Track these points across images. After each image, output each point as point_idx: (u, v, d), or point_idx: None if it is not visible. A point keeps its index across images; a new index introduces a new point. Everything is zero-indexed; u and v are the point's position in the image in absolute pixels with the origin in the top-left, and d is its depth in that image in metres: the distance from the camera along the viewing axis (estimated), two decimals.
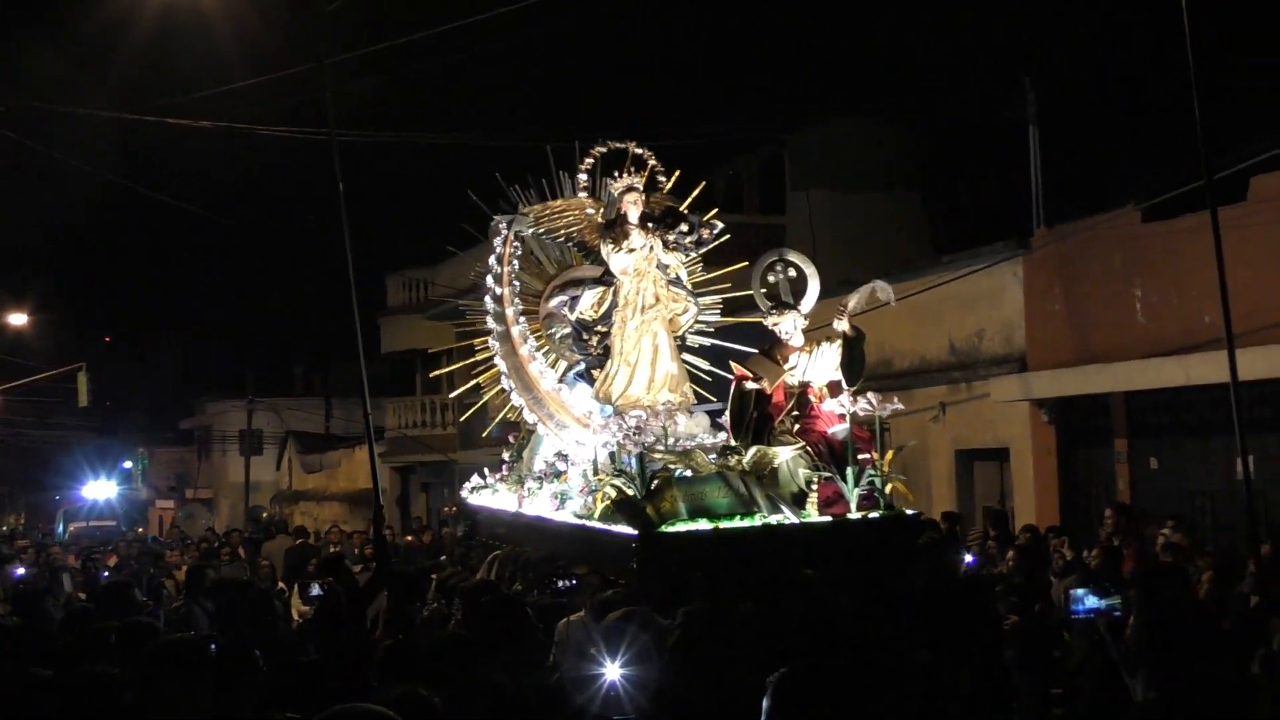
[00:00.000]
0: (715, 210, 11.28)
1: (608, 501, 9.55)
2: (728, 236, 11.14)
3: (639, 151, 11.22)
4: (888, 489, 9.72)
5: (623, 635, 5.20)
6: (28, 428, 46.88)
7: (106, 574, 17.37)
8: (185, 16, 16.89)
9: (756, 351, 10.54)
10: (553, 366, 11.42)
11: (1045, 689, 8.41)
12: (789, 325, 10.43)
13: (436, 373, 23.20)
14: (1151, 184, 15.23)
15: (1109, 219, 15.77)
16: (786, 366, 10.25)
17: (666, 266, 10.71)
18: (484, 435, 13.70)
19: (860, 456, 9.68)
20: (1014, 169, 18.28)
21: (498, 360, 11.41)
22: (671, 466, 9.64)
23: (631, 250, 10.53)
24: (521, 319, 11.38)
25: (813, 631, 5.49)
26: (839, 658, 4.61)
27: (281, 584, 15.13)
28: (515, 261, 11.50)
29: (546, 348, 11.57)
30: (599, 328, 11.28)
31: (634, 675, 5.06)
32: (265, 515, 34.87)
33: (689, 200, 11.49)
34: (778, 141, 23.28)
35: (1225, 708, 4.19)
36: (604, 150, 11.24)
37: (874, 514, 9.59)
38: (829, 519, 9.48)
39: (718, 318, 11.81)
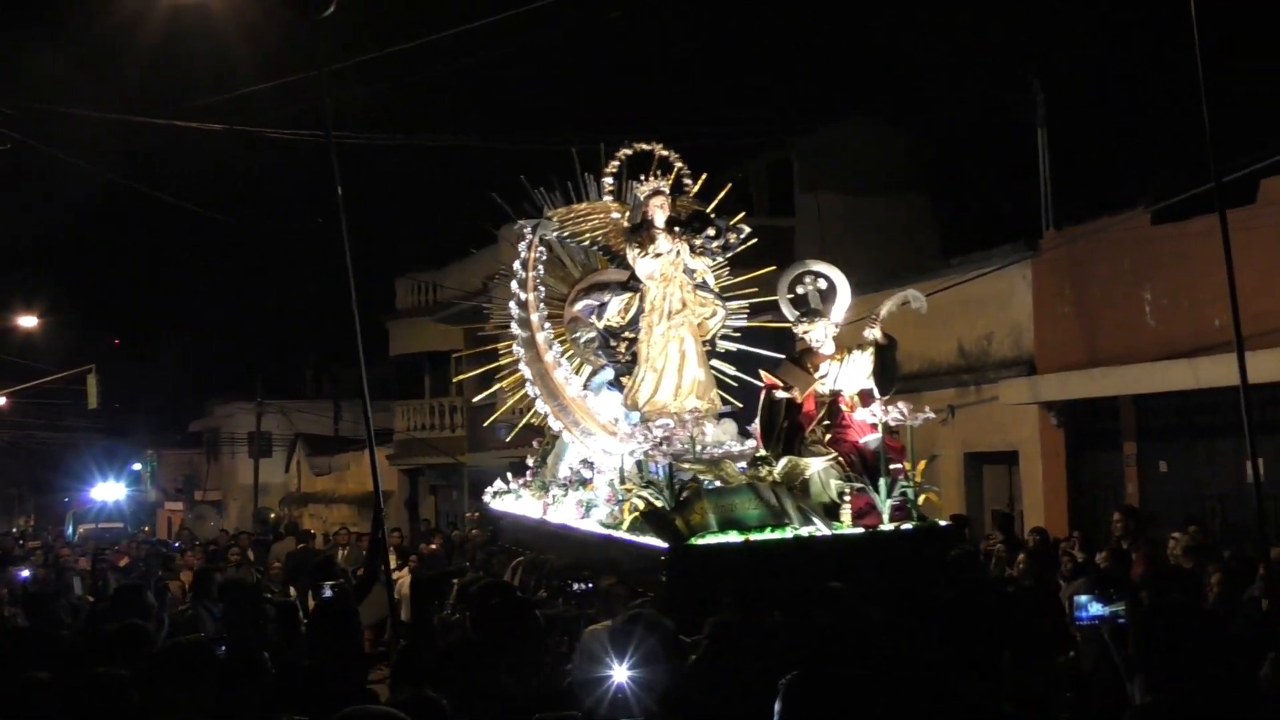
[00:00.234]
0: (743, 214, 11.13)
1: (636, 512, 9.42)
2: (755, 240, 11.01)
3: (665, 154, 11.10)
4: (920, 500, 9.63)
5: (630, 638, 5.20)
6: (37, 429, 47.00)
7: (115, 575, 17.41)
8: (192, 19, 16.94)
9: (785, 359, 10.44)
10: (577, 372, 11.33)
11: (1051, 693, 8.37)
12: (820, 333, 10.29)
13: (460, 377, 23.16)
14: (1161, 187, 15.19)
15: (1118, 222, 15.74)
16: (817, 375, 10.12)
17: (693, 271, 10.60)
18: (487, 425, 13.46)
19: (892, 466, 9.56)
20: (1023, 172, 18.24)
21: (522, 366, 11.31)
22: (701, 477, 9.53)
23: (658, 255, 10.41)
24: (547, 324, 11.29)
25: (842, 643, 5.47)
26: (859, 667, 4.59)
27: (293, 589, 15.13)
28: (540, 266, 11.40)
29: (571, 353, 11.47)
30: (626, 334, 11.14)
31: (641, 677, 5.06)
32: (272, 517, 34.88)
33: (715, 203, 11.36)
34: (786, 144, 23.25)
35: (1224, 712, 4.16)
36: (629, 152, 11.11)
37: (906, 525, 9.47)
38: (861, 530, 9.37)
39: (744, 322, 11.67)
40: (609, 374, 11.30)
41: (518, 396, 11.81)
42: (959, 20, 21.59)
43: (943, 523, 9.95)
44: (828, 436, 9.95)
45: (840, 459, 9.74)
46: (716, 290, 10.96)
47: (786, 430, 10.01)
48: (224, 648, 5.65)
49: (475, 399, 18.31)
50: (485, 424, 18.09)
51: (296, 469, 44.46)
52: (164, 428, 55.69)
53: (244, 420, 45.00)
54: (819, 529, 9.24)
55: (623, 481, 9.93)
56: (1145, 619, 4.51)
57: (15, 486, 60.06)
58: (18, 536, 30.94)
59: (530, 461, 12.35)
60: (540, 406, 11.17)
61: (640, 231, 10.58)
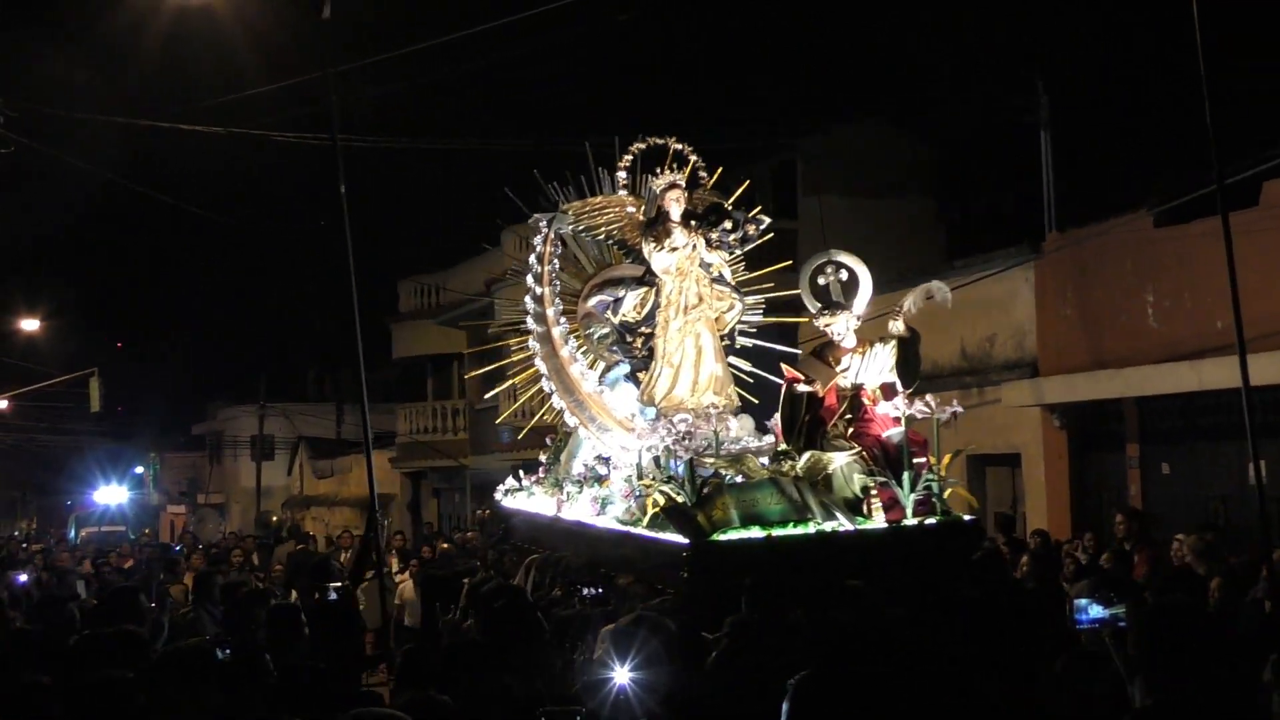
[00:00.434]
0: (759, 208, 10.97)
1: (656, 509, 9.32)
2: (773, 234, 10.96)
3: (680, 148, 11.02)
4: (945, 494, 9.54)
5: (633, 639, 5.19)
6: (40, 433, 46.99)
7: (118, 578, 17.40)
8: (197, 21, 16.95)
9: (806, 352, 10.37)
10: (591, 367, 11.24)
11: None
12: (841, 326, 10.24)
13: (470, 375, 23.11)
14: (1164, 189, 15.18)
15: (1121, 224, 15.73)
16: (839, 368, 10.05)
17: (709, 265, 10.53)
18: (499, 422, 13.41)
19: (916, 460, 9.51)
20: (1026, 174, 18.24)
21: (538, 361, 11.19)
22: (723, 472, 9.46)
23: (674, 249, 10.35)
24: (562, 319, 11.19)
25: (863, 641, 5.44)
26: (879, 665, 4.55)
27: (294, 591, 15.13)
28: (555, 260, 11.30)
29: (585, 348, 11.40)
30: (642, 329, 11.07)
31: (644, 679, 5.05)
32: (275, 520, 34.87)
33: (734, 197, 11.23)
34: (790, 146, 23.25)
35: (1226, 714, 4.15)
36: (643, 147, 11.05)
37: (930, 520, 9.39)
38: (884, 525, 9.29)
39: (760, 318, 11.61)
40: (623, 369, 11.23)
41: (527, 396, 11.74)
42: (962, 22, 21.58)
43: (967, 517, 9.82)
44: (850, 431, 9.87)
45: (863, 453, 9.67)
46: (734, 284, 10.86)
47: (808, 424, 9.89)
48: (226, 650, 5.65)
49: (485, 396, 18.26)
50: (497, 422, 18.03)
51: (299, 472, 44.46)
52: (166, 431, 55.79)
53: (246, 423, 45.01)
54: (842, 524, 9.15)
55: (641, 477, 9.82)
56: (1147, 620, 4.48)
57: (18, 489, 60.10)
58: (20, 540, 30.97)
59: (542, 458, 12.25)
60: (556, 402, 11.05)
61: (656, 225, 10.52)
